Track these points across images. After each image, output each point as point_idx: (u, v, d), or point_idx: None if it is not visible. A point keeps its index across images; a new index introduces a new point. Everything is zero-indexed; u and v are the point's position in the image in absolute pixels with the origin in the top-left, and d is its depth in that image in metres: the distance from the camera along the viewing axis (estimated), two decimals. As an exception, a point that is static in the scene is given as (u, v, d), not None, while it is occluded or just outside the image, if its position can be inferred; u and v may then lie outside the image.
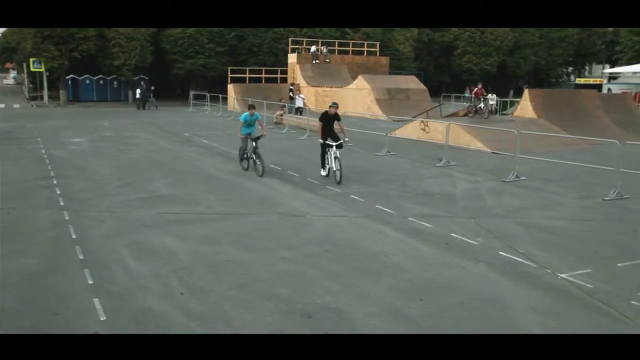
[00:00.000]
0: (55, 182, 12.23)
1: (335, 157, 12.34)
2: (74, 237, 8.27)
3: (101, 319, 5.58)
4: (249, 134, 13.36)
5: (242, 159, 13.66)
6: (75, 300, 6.03)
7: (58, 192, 11.19)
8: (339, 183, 11.95)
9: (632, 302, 6.12)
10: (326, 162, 12.72)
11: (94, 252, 7.60)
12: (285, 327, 5.43)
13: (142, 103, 36.06)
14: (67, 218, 9.28)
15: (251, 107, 13.47)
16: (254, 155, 13.03)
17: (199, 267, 7.06)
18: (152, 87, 38.07)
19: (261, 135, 13.22)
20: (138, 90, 36.82)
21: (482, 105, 21.76)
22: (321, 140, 12.64)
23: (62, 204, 10.28)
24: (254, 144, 12.96)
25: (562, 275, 6.90)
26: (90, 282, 6.53)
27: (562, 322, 5.62)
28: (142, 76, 41.12)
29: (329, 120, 12.72)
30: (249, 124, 13.40)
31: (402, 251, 7.79)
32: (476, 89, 22.65)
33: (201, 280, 6.62)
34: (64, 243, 7.99)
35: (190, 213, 9.74)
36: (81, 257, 7.39)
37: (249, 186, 12.08)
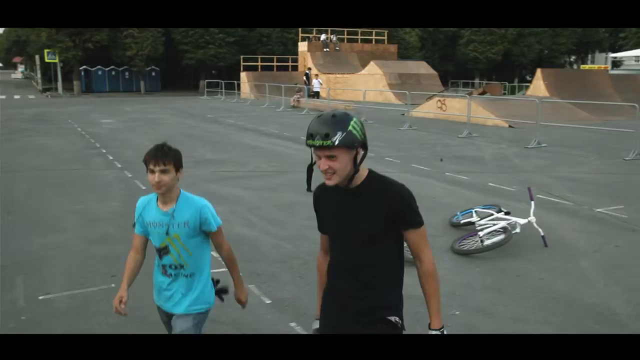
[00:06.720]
0: (104, 151, 12.95)
1: None
2: (143, 188, 9.00)
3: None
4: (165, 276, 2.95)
5: None
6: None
7: (111, 158, 11.92)
8: None
9: (665, 226, 6.86)
10: None
11: (168, 198, 8.31)
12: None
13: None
14: (129, 175, 10.01)
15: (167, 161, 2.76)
16: None
17: (270, 207, 7.80)
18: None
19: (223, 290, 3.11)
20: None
21: None
22: None
23: (119, 166, 11.01)
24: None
25: (598, 210, 7.64)
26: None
27: (606, 238, 6.36)
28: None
29: None
30: (158, 242, 2.88)
31: (450, 195, 8.53)
32: None
33: (276, 215, 7.36)
34: (136, 192, 8.71)
35: (243, 171, 10.48)
36: (158, 201, 8.11)
37: (289, 152, 12.80)
